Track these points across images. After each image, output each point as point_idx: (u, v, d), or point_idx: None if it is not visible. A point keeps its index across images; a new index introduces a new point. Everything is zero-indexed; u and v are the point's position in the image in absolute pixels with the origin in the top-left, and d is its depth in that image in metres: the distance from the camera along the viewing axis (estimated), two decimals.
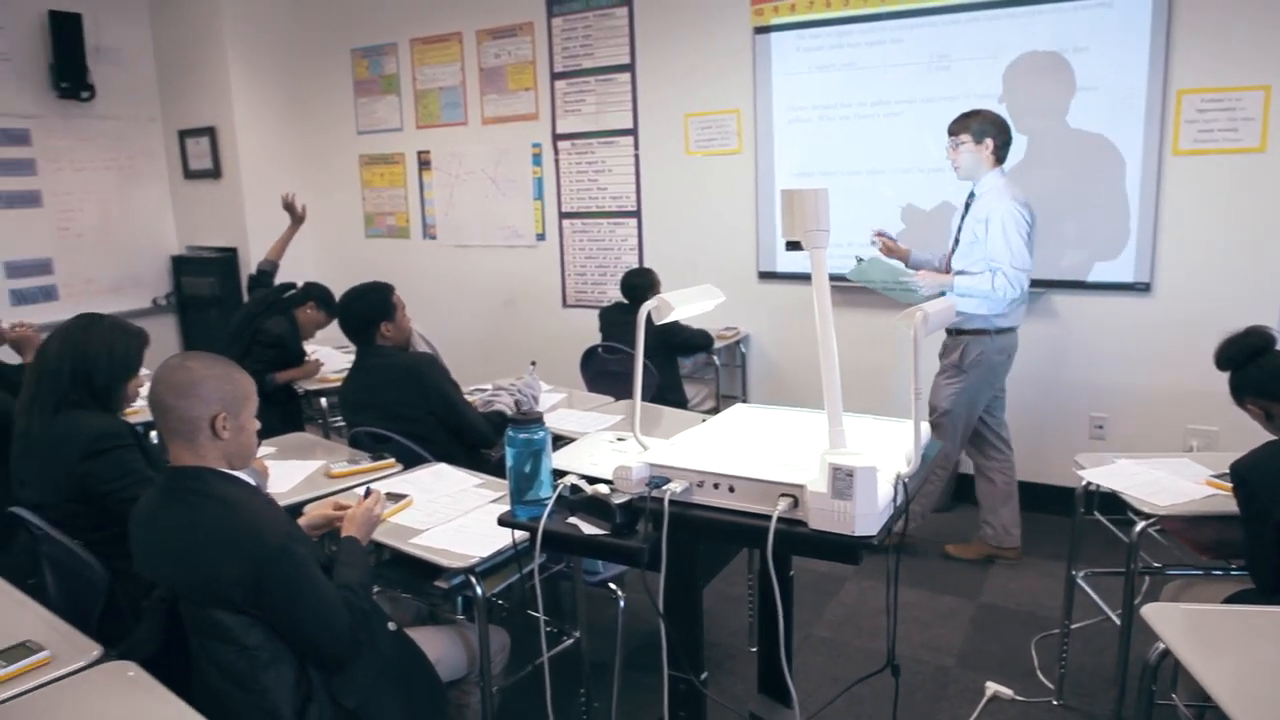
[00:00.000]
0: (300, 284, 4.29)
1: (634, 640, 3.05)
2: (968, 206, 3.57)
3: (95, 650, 1.74)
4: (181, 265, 6.26)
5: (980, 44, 4.05)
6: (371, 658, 1.83)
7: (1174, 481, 2.43)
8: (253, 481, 1.86)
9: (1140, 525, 2.33)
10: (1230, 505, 2.23)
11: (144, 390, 2.35)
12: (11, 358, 3.44)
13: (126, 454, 2.21)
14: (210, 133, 5.99)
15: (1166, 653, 1.65)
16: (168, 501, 1.76)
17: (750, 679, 2.41)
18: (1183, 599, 2.30)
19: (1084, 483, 2.59)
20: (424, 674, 1.99)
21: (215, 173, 6.04)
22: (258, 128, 6.04)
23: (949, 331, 3.59)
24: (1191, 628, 1.69)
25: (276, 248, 4.60)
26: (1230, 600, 2.14)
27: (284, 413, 4.03)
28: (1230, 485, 2.17)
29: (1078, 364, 4.10)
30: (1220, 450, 3.48)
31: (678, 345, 4.28)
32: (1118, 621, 2.52)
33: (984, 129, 3.44)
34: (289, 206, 4.65)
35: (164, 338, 6.06)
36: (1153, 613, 1.72)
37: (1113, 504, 2.55)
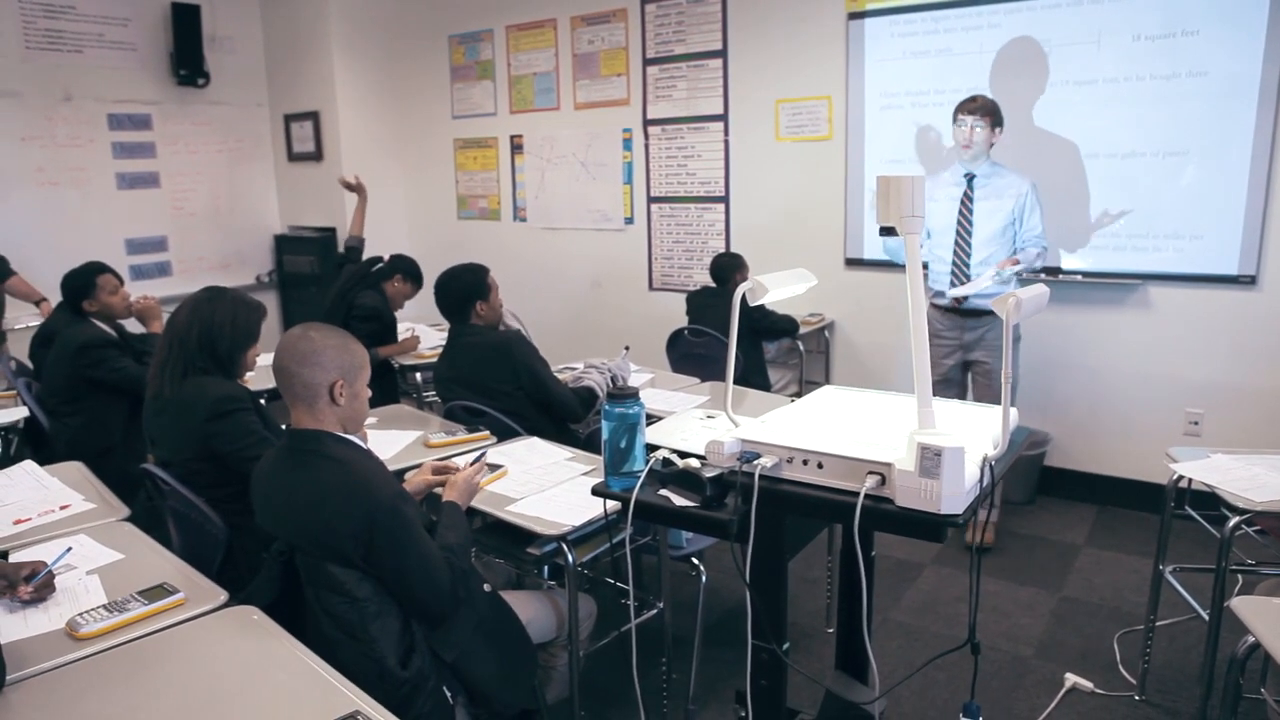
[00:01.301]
0: (387, 259, 4.43)
1: (713, 615, 3.13)
2: (969, 193, 3.62)
3: (221, 595, 1.90)
4: (283, 244, 6.56)
5: (1082, 27, 3.95)
6: (469, 615, 1.95)
7: (1272, 478, 2.38)
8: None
9: (1234, 520, 2.29)
10: None
11: (261, 359, 2.54)
12: (136, 328, 3.69)
13: (247, 416, 2.37)
14: (314, 117, 6.25)
15: (1255, 646, 1.64)
16: (289, 461, 1.90)
17: (826, 658, 2.46)
18: (1277, 597, 2.26)
19: (1175, 476, 2.55)
20: (516, 633, 2.10)
21: (317, 155, 6.29)
22: (358, 112, 6.28)
23: (989, 311, 3.62)
24: None
25: (356, 223, 4.79)
26: None
27: (381, 385, 4.20)
28: None
29: (1174, 358, 4.00)
30: None
31: (764, 329, 4.32)
32: (1206, 618, 2.48)
33: (998, 116, 3.60)
34: (349, 185, 4.84)
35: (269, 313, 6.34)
36: (1243, 605, 1.71)
37: (1204, 501, 2.51)
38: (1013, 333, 3.66)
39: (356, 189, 4.82)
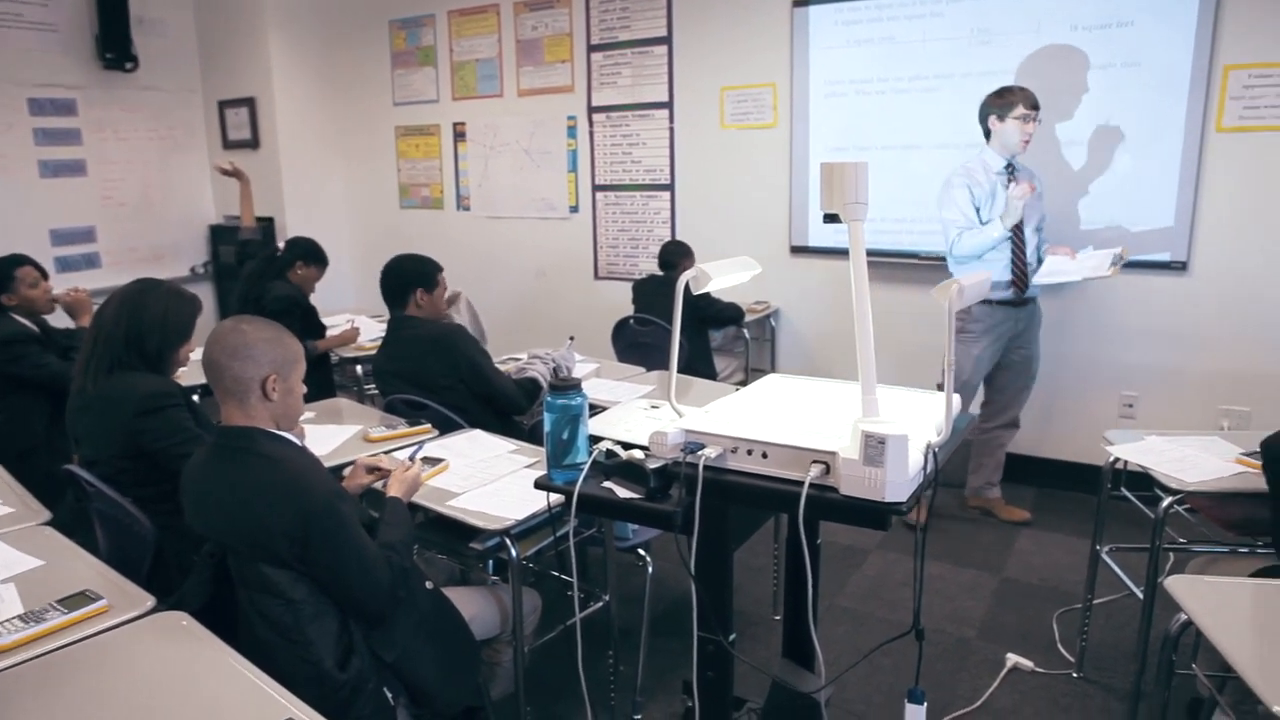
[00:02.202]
0: (283, 246, 4.19)
1: (660, 606, 3.12)
2: (1011, 179, 3.59)
3: (148, 601, 1.82)
4: (219, 234, 6.37)
5: (1022, 17, 4.00)
6: (410, 613, 1.90)
7: (1203, 459, 2.44)
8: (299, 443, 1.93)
9: (1167, 501, 2.34)
10: (1260, 483, 2.23)
11: (194, 355, 2.45)
12: (63, 322, 3.55)
13: (178, 412, 2.29)
14: (249, 104, 6.07)
15: (1188, 624, 1.67)
16: (220, 459, 1.83)
17: (773, 646, 2.46)
18: (1207, 574, 2.31)
19: (1111, 459, 2.60)
20: (459, 631, 2.06)
21: (254, 143, 6.12)
22: (296, 99, 6.11)
23: (1032, 299, 3.74)
24: (1214, 599, 1.71)
25: (245, 214, 4.54)
26: (1256, 576, 2.15)
27: (317, 379, 4.06)
28: (1260, 463, 2.18)
29: (1110, 343, 4.08)
30: (1252, 430, 3.48)
31: (709, 318, 4.31)
32: (1140, 596, 2.54)
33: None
34: (226, 172, 4.55)
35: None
36: (1176, 584, 1.74)
37: (1139, 482, 2.56)
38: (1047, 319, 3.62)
39: (235, 174, 4.51)
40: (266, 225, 6.06)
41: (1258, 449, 2.33)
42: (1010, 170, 3.61)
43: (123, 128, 5.88)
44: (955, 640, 3.02)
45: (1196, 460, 2.43)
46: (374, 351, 3.45)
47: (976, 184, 3.59)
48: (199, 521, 1.88)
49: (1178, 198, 3.82)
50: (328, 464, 2.54)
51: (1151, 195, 3.87)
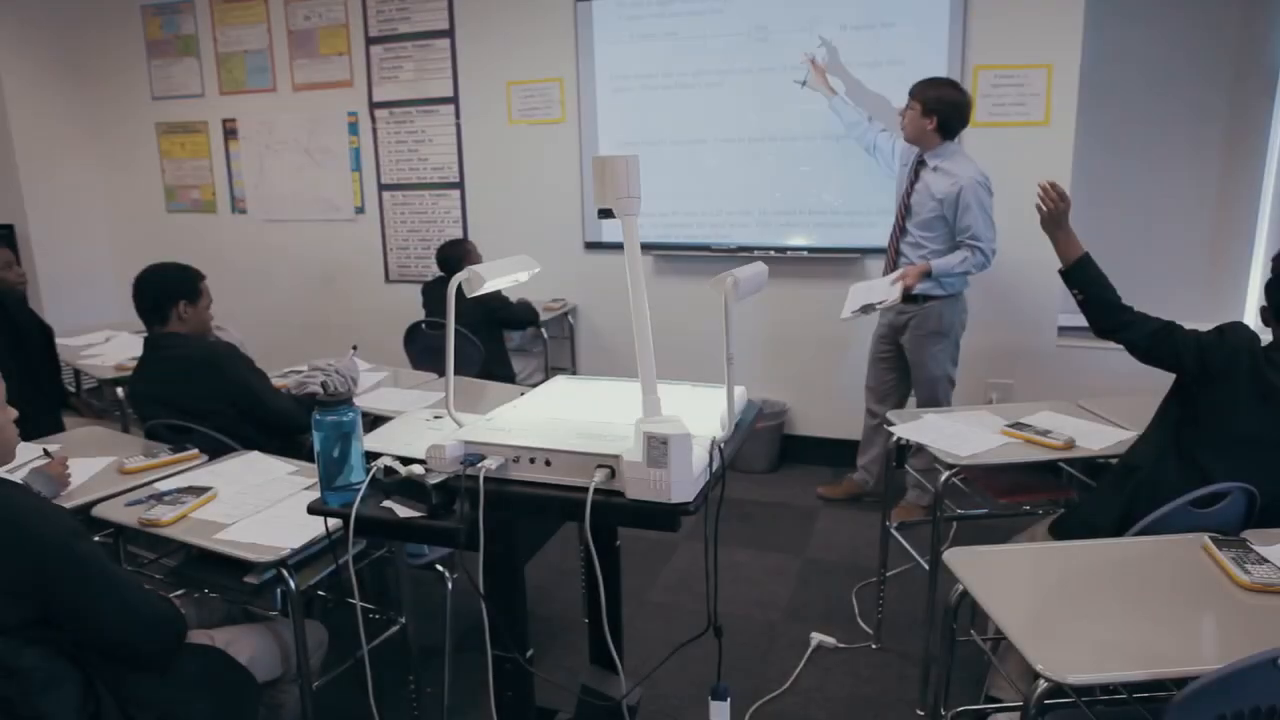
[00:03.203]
0: None
1: (466, 621, 2.99)
2: (917, 173, 3.60)
3: None
4: None
5: (796, 16, 4.15)
6: (164, 666, 1.70)
7: (974, 432, 2.59)
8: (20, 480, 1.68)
9: (945, 475, 2.47)
10: (1022, 453, 2.41)
11: None
12: None
13: None
14: None
15: (965, 593, 1.75)
16: None
17: (585, 650, 2.41)
18: (1023, 539, 2.47)
19: (894, 438, 2.72)
20: (231, 674, 1.87)
21: None
22: (31, 91, 5.45)
23: (918, 299, 3.60)
24: (984, 567, 1.81)
25: None
26: (1054, 527, 2.32)
27: (41, 403, 3.53)
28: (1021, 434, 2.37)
29: None
30: (1015, 400, 3.77)
31: (502, 319, 4.20)
32: (926, 567, 2.68)
33: (937, 106, 3.47)
34: None
35: None
36: (953, 556, 1.82)
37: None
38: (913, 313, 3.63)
39: None
40: (5, 233, 5.41)
41: (1020, 420, 2.53)
42: (920, 162, 3.61)
43: None
44: (762, 625, 3.08)
45: (968, 434, 2.58)
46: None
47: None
48: None
49: None
50: (78, 501, 2.26)
51: None
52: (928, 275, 3.51)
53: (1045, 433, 2.52)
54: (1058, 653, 1.47)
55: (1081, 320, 2.38)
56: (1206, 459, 2.07)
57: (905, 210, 3.64)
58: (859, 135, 3.98)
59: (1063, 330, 4.02)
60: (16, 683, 1.50)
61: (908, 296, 3.55)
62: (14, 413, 1.67)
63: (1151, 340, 2.22)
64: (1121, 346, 2.29)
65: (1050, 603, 1.72)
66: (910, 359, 3.74)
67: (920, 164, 3.61)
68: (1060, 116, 3.87)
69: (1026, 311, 4.07)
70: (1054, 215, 2.38)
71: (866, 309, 3.47)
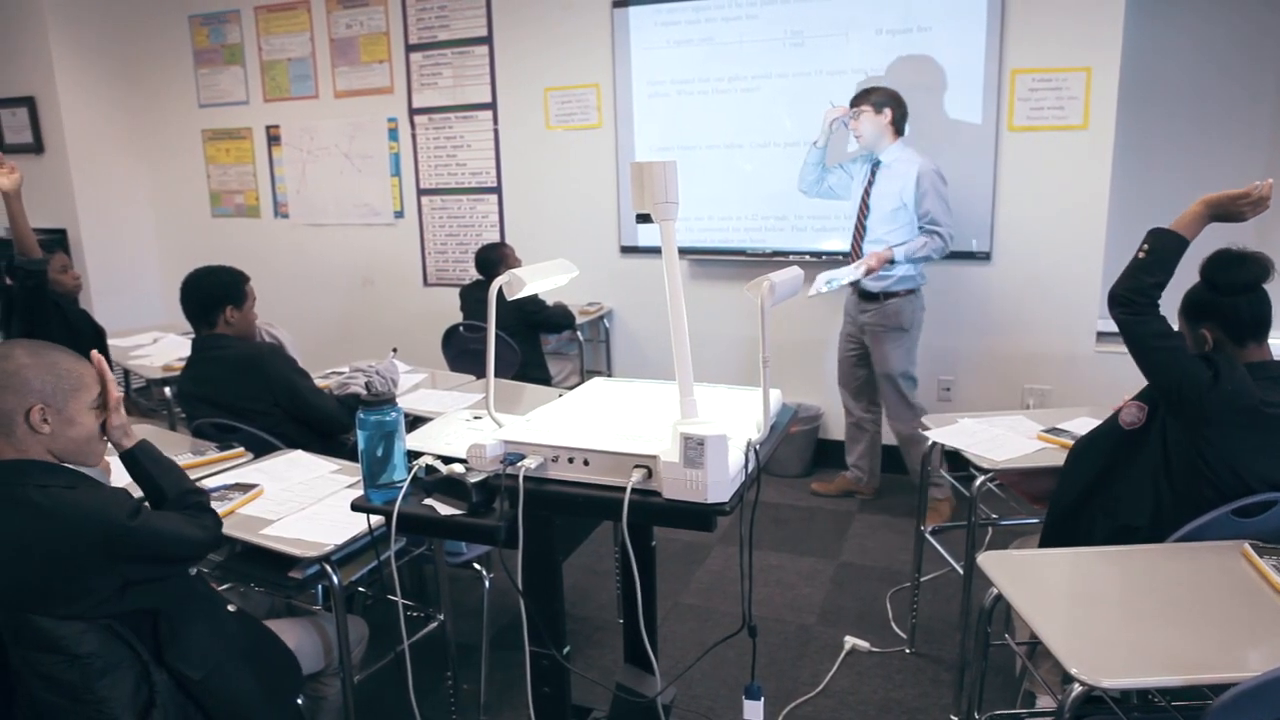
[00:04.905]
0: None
1: (502, 618, 3.04)
2: (873, 175, 3.75)
3: None
4: (0, 249, 5.77)
5: (832, 21, 4.15)
6: (217, 632, 1.79)
7: (1010, 437, 2.58)
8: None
9: (980, 479, 2.47)
10: (1058, 458, 2.40)
11: None
12: None
13: None
14: (29, 103, 5.53)
15: (999, 597, 1.75)
16: None
17: (619, 650, 2.44)
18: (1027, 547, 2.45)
19: (930, 442, 2.72)
20: (275, 650, 1.96)
21: (36, 147, 5.58)
22: (85, 98, 5.60)
23: (879, 296, 3.76)
24: (1019, 571, 1.81)
25: (20, 234, 3.27)
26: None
27: None
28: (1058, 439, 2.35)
29: (927, 330, 4.28)
30: (1052, 407, 3.74)
31: (539, 323, 4.24)
32: (961, 572, 2.67)
33: (883, 101, 3.67)
34: None
35: None
36: (987, 559, 1.82)
37: (958, 462, 2.69)
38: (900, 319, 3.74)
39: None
40: (58, 237, 5.56)
41: (1057, 426, 2.50)
42: (874, 165, 3.77)
43: None
44: (796, 627, 3.09)
45: (1004, 439, 2.57)
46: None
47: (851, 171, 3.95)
48: None
49: (979, 192, 4.06)
50: None
51: (958, 189, 4.08)
52: (891, 262, 3.63)
53: None
54: (1093, 657, 1.47)
55: None
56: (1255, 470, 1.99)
57: (865, 210, 3.78)
58: (811, 182, 4.00)
59: (1101, 336, 3.99)
60: (78, 668, 1.56)
61: (869, 294, 3.75)
62: (98, 417, 1.73)
63: (1161, 341, 2.00)
64: (1118, 326, 2.08)
65: (1086, 607, 1.72)
66: (872, 355, 3.87)
67: (875, 165, 3.76)
68: (1100, 120, 3.83)
69: (1064, 316, 4.03)
70: (1232, 208, 2.05)
71: (830, 283, 3.61)
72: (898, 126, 3.70)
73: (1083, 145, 3.87)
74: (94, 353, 1.79)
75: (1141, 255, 2.05)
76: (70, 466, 1.69)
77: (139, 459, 1.81)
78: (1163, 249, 2.04)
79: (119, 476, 1.88)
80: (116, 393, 1.79)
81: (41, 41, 5.39)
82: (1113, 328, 2.09)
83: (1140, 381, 2.09)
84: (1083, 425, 2.62)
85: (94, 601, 1.59)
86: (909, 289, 3.75)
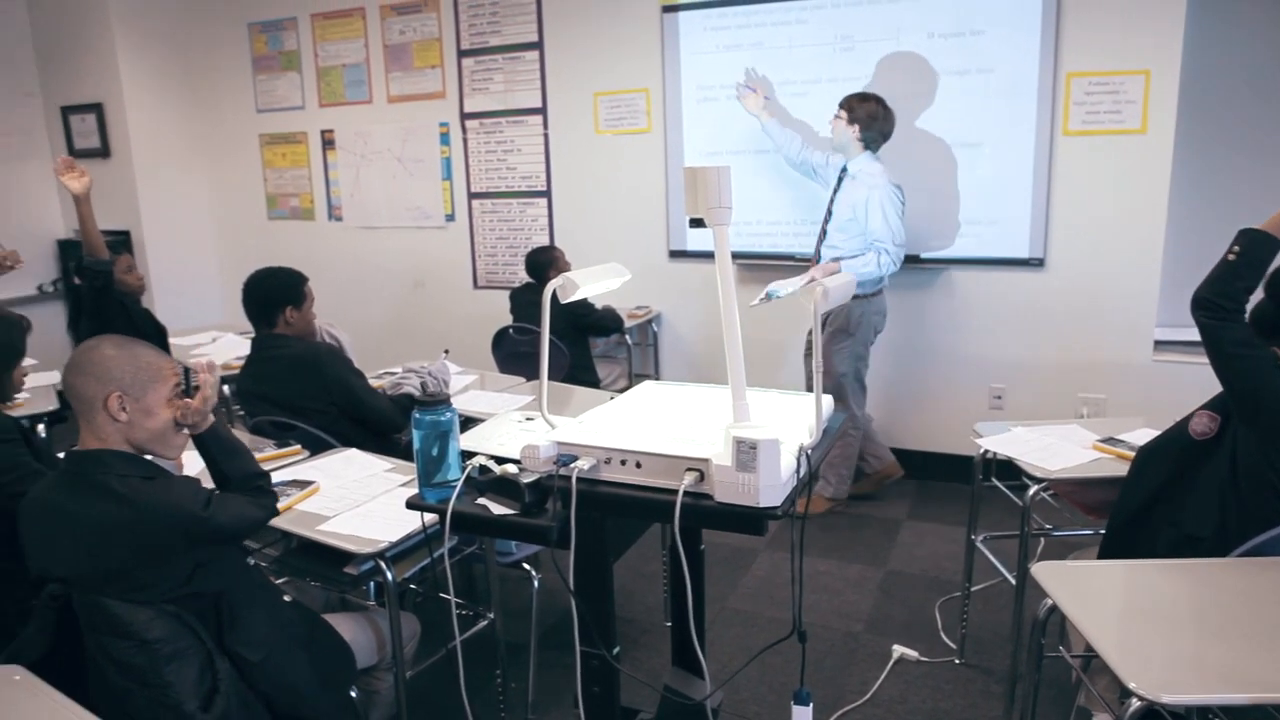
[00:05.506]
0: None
1: (550, 619, 3.07)
2: (840, 180, 3.84)
3: None
4: (69, 249, 5.97)
5: (883, 26, 4.13)
6: (273, 616, 1.87)
7: (1064, 447, 2.55)
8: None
9: (1033, 489, 2.43)
10: (1115, 469, 2.35)
11: (29, 379, 2.26)
12: None
13: (8, 449, 2.10)
14: (97, 109, 5.71)
15: (1054, 608, 1.73)
16: (66, 489, 1.71)
17: (666, 653, 2.45)
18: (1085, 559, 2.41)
19: (982, 450, 2.69)
20: (329, 638, 2.02)
21: (104, 152, 5.76)
22: (149, 104, 5.78)
23: None
24: (1076, 583, 1.78)
25: (89, 236, 3.46)
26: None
27: None
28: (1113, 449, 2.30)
29: (978, 337, 4.25)
30: (1108, 416, 3.68)
31: (588, 326, 4.28)
32: (1013, 582, 2.63)
33: (861, 117, 3.73)
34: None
35: (52, 326, 5.78)
36: (1042, 570, 1.80)
37: (1009, 471, 2.66)
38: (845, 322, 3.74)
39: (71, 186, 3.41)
40: (123, 238, 5.73)
41: (1112, 436, 2.45)
42: (843, 170, 3.87)
43: None
44: (843, 635, 3.07)
45: (1058, 448, 2.53)
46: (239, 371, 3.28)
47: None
48: (43, 559, 1.73)
49: (1033, 197, 4.00)
50: None
51: (1010, 194, 4.04)
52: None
53: None
54: (1152, 672, 1.45)
55: (1180, 334, 2.31)
56: None
57: (828, 215, 3.87)
58: (790, 155, 4.18)
59: (1159, 344, 3.90)
60: (146, 652, 1.62)
61: None
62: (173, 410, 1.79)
63: (1244, 349, 1.94)
64: (1200, 330, 2.00)
65: (1144, 620, 1.69)
66: (822, 355, 3.84)
67: (843, 172, 3.85)
68: (1159, 124, 3.75)
69: (1120, 324, 3.95)
70: None
71: (769, 296, 3.73)
72: (864, 142, 3.76)
73: (1140, 150, 3.79)
74: (196, 358, 1.89)
75: (1231, 257, 1.96)
76: (147, 458, 1.76)
77: (208, 444, 1.88)
78: (1254, 251, 1.95)
79: (191, 464, 1.97)
80: (210, 392, 1.87)
81: (109, 51, 5.56)
82: (1170, 336, 2.06)
83: (1202, 391, 2.05)
84: (1140, 436, 2.57)
85: (167, 586, 1.67)
86: (857, 295, 3.75)
